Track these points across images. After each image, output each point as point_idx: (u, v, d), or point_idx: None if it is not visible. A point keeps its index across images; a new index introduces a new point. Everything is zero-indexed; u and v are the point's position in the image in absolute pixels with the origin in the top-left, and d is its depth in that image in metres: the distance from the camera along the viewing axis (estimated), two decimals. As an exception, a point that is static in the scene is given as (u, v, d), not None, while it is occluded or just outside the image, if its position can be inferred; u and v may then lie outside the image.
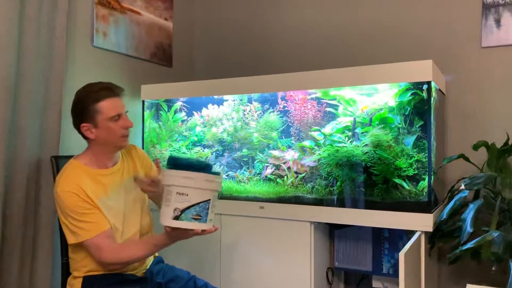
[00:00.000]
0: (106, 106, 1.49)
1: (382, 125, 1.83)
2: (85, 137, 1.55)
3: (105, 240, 1.44)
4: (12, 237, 1.76)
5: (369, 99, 1.88)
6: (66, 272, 1.62)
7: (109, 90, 1.52)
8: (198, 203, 1.30)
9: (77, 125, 1.52)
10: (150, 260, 1.69)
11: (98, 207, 1.47)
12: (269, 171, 2.07)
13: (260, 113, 2.14)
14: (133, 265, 1.57)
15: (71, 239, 1.47)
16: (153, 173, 1.69)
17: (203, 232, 1.34)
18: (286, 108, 2.06)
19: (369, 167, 1.83)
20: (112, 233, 1.48)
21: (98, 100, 1.48)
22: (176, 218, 1.29)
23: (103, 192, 1.52)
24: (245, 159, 2.16)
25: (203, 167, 1.34)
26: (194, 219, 1.30)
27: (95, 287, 1.50)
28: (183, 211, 1.29)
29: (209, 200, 1.31)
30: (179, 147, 2.32)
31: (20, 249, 1.78)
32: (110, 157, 1.59)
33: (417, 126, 1.77)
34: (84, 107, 1.49)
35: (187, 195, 1.29)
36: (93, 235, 1.43)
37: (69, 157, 1.65)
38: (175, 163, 1.36)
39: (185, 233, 1.36)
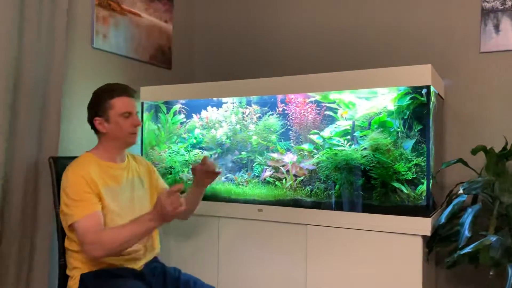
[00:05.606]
0: (118, 103, 1.62)
1: (381, 129, 1.84)
2: (96, 132, 1.67)
3: (91, 222, 1.47)
4: (10, 238, 1.75)
5: (368, 103, 1.88)
6: (63, 273, 1.62)
7: (123, 89, 1.66)
8: None
9: (91, 119, 1.64)
10: (151, 256, 1.70)
11: (100, 193, 1.55)
12: (267, 173, 2.07)
13: (259, 116, 2.14)
14: (133, 257, 1.60)
15: (65, 223, 1.52)
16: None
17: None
18: (285, 111, 2.07)
19: (367, 171, 1.83)
20: (101, 217, 1.51)
21: (112, 97, 1.62)
22: None
23: (114, 181, 1.63)
24: (244, 162, 2.16)
25: None
26: None
27: (92, 283, 1.51)
28: None
29: None
30: (178, 149, 2.31)
31: (17, 250, 1.77)
32: (119, 153, 1.70)
33: (416, 130, 1.77)
34: (99, 103, 1.62)
35: None
36: (82, 215, 1.47)
37: (68, 157, 1.66)
38: None
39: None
